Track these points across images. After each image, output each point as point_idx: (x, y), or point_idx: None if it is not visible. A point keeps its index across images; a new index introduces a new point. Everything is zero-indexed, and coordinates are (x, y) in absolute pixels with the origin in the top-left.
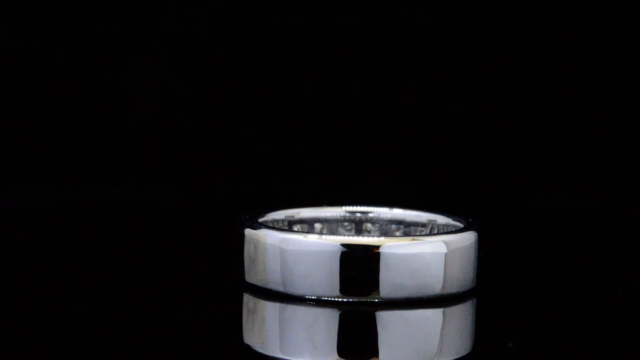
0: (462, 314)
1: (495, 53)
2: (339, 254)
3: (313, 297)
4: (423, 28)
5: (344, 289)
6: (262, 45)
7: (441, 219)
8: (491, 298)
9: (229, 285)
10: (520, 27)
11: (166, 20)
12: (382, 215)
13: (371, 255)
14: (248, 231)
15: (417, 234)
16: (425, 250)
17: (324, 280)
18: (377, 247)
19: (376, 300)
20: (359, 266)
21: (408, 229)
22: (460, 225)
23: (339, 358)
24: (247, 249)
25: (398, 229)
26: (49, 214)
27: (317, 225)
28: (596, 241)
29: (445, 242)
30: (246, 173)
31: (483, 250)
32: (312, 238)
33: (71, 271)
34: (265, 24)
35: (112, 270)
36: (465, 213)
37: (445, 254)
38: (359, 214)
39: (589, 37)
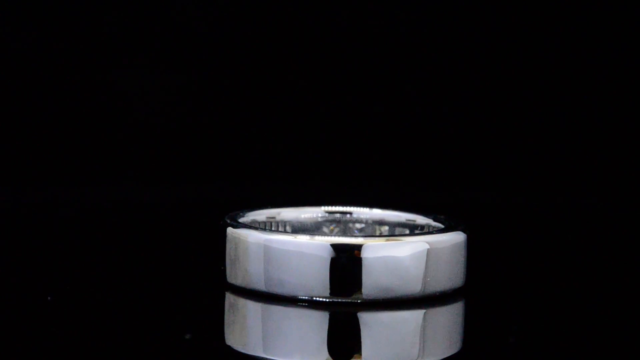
0: (447, 314)
1: (478, 52)
2: (329, 255)
3: (304, 298)
4: (402, 29)
5: (334, 289)
6: (247, 47)
7: (421, 219)
8: (477, 298)
9: (211, 286)
10: (486, 29)
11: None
12: (362, 216)
13: (359, 256)
14: (230, 231)
15: (402, 234)
16: (414, 250)
17: (314, 280)
18: (361, 247)
19: (361, 300)
20: (348, 267)
21: (392, 229)
22: (441, 225)
23: (329, 358)
24: (230, 249)
25: (380, 230)
26: (35, 214)
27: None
28: (585, 240)
29: (432, 242)
30: (226, 174)
31: (470, 250)
32: (302, 239)
33: (55, 271)
34: (247, 28)
35: (95, 270)
36: (444, 213)
37: (434, 253)
38: (338, 214)
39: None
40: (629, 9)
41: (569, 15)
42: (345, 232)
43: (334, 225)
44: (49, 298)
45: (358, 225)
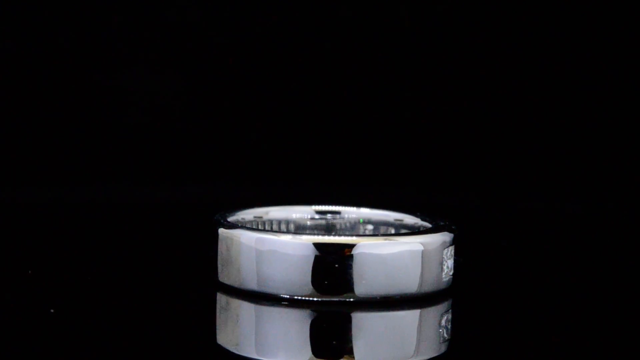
0: (436, 314)
1: (475, 52)
2: (313, 255)
3: (287, 297)
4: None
5: (320, 288)
6: (239, 49)
7: (409, 219)
8: (465, 298)
9: (202, 285)
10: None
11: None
12: (352, 215)
13: (346, 255)
14: (221, 231)
15: (391, 233)
16: (402, 250)
17: (300, 279)
18: (352, 246)
19: (351, 299)
20: (334, 266)
21: (378, 229)
22: (429, 225)
23: (314, 358)
24: (221, 249)
25: (369, 229)
26: (33, 214)
27: (290, 226)
28: (573, 242)
29: (420, 243)
30: (212, 173)
31: (459, 252)
32: (286, 238)
33: (51, 270)
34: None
35: (88, 269)
36: (432, 213)
37: (421, 253)
38: (328, 214)
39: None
40: (629, 9)
41: (567, 16)
42: (331, 232)
43: (368, 224)
44: (29, 272)
45: (392, 230)
